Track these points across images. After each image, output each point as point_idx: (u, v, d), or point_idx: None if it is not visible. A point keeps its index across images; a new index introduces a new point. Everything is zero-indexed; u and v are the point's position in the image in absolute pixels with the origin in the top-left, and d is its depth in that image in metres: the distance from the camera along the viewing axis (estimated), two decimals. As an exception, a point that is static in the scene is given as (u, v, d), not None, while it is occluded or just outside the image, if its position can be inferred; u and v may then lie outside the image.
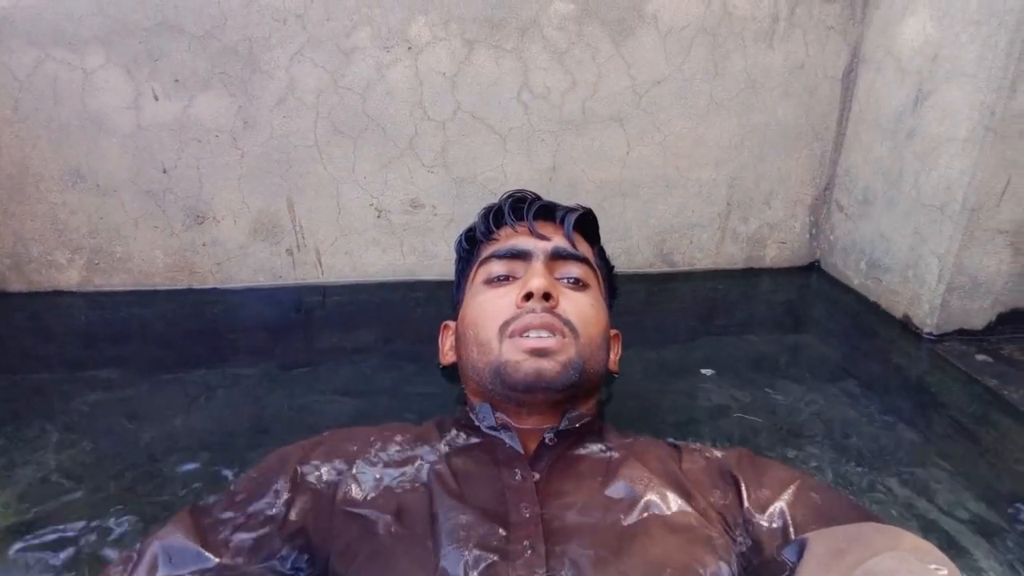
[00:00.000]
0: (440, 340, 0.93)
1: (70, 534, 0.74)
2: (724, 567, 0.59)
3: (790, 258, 1.43)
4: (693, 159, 1.33)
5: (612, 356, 0.89)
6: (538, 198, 0.87)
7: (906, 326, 1.19)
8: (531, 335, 0.72)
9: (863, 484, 0.85)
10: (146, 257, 1.29)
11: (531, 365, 0.71)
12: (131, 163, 1.23)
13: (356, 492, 0.66)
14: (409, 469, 0.68)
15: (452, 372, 0.90)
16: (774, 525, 0.63)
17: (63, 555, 0.71)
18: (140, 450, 0.90)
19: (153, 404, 1.01)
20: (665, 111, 1.29)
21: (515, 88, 1.25)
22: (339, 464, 0.69)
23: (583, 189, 1.32)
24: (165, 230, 1.28)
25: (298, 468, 0.68)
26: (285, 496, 0.65)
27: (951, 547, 0.74)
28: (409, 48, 1.20)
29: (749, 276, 1.42)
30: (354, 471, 0.68)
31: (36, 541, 0.73)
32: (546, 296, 0.73)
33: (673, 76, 1.27)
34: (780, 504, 0.64)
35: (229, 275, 1.32)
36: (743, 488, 0.67)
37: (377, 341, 1.21)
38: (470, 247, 0.90)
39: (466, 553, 0.57)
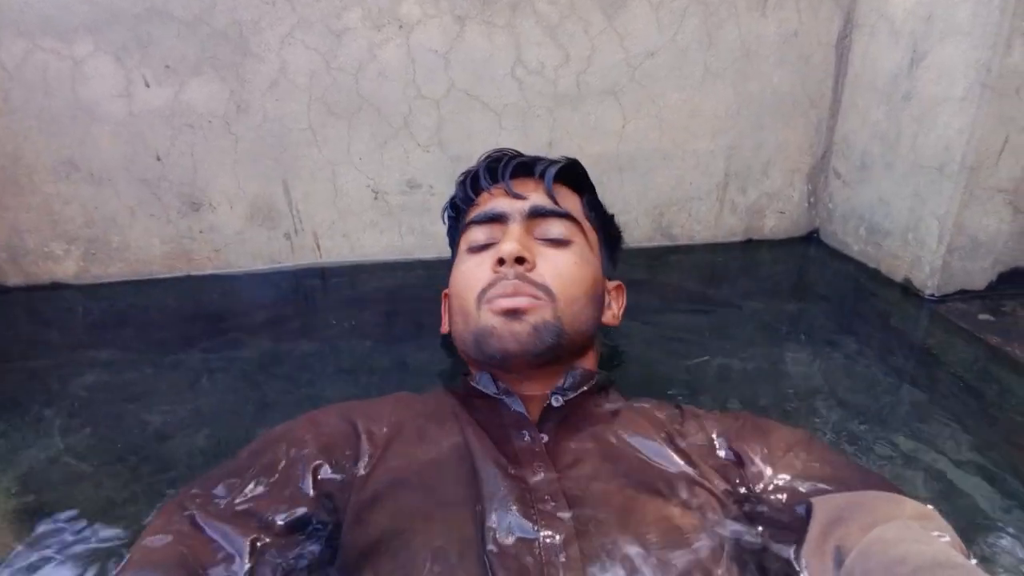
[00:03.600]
0: (442, 309, 0.91)
1: (77, 514, 0.74)
2: (721, 531, 0.59)
3: (789, 228, 1.42)
4: (689, 130, 1.33)
5: (613, 310, 0.86)
6: (516, 155, 0.84)
7: (907, 289, 1.19)
8: (504, 301, 0.71)
9: (869, 440, 0.85)
10: (143, 246, 1.29)
11: (504, 330, 0.70)
12: (124, 151, 1.22)
13: (386, 453, 0.65)
14: (435, 431, 0.68)
15: (452, 349, 0.90)
16: (778, 488, 0.62)
17: (71, 535, 0.71)
18: (144, 431, 0.91)
19: (155, 387, 1.01)
20: (660, 83, 1.29)
21: (508, 64, 1.24)
22: (364, 427, 0.69)
23: (580, 164, 1.31)
24: (161, 218, 1.27)
25: (323, 431, 0.68)
26: (312, 460, 0.64)
27: (956, 494, 0.75)
28: (400, 27, 1.19)
29: (749, 247, 1.42)
30: (381, 434, 0.68)
31: (43, 522, 0.73)
32: (520, 260, 0.72)
33: (667, 47, 1.26)
34: (783, 467, 0.64)
35: (227, 261, 1.32)
36: (746, 451, 0.66)
37: (377, 321, 1.21)
38: (455, 215, 0.88)
39: (504, 512, 0.57)
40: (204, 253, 1.31)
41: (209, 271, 1.32)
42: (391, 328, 1.18)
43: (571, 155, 1.31)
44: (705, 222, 1.40)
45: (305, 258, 1.33)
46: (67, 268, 1.29)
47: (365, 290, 1.31)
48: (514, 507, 0.58)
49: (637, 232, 1.38)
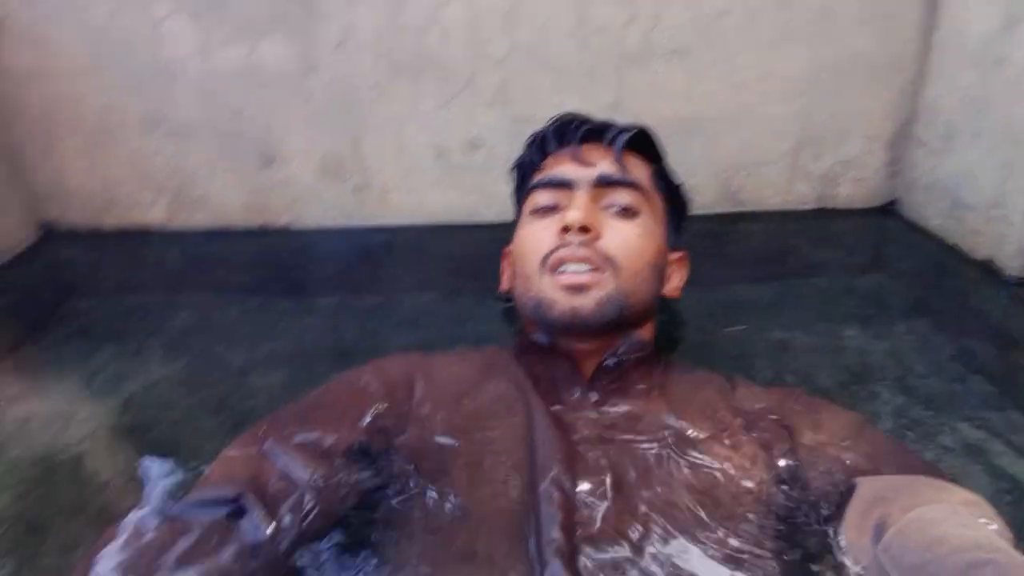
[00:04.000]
0: (502, 266, 0.91)
1: (169, 435, 0.83)
2: (758, 503, 0.60)
3: (865, 197, 1.35)
4: (761, 93, 1.27)
5: (673, 283, 0.85)
6: (587, 120, 0.82)
7: (988, 268, 1.12)
8: (568, 268, 0.71)
9: (931, 427, 0.82)
10: (223, 197, 1.36)
11: (566, 304, 0.70)
12: (203, 107, 1.28)
13: (443, 400, 0.69)
14: (492, 382, 0.71)
15: (509, 309, 0.92)
16: (824, 467, 0.62)
17: (162, 453, 0.76)
18: (229, 367, 0.99)
19: (239, 329, 1.10)
20: (732, 42, 1.24)
21: (573, 22, 1.22)
22: (424, 374, 0.73)
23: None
24: (239, 172, 1.34)
25: (386, 377, 0.72)
26: (373, 401, 0.68)
27: (1021, 492, 0.72)
28: (465, -16, 1.19)
29: (821, 216, 1.36)
30: (440, 380, 0.72)
31: (141, 441, 0.82)
32: (585, 229, 0.71)
33: (739, 6, 1.21)
34: (831, 446, 0.63)
35: (300, 214, 1.38)
36: (796, 426, 0.66)
37: (439, 277, 1.24)
38: (521, 175, 0.88)
39: (550, 463, 0.60)
40: (279, 205, 1.37)
41: (284, 223, 1.38)
42: (453, 284, 1.21)
43: (635, 117, 1.28)
44: (775, 188, 1.35)
45: (372, 213, 1.37)
46: (155, 215, 1.38)
47: (428, 246, 1.35)
48: (559, 459, 0.60)
49: (703, 197, 1.35)
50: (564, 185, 0.77)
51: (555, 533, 0.54)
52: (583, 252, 0.71)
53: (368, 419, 0.66)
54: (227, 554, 0.52)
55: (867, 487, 0.57)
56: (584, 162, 0.78)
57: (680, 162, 1.31)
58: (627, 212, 0.76)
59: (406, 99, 1.28)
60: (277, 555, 0.54)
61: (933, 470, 0.61)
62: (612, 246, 0.73)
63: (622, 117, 1.26)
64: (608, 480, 0.60)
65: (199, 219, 1.38)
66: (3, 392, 0.96)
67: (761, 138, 1.31)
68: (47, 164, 1.33)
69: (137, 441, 0.85)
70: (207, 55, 1.24)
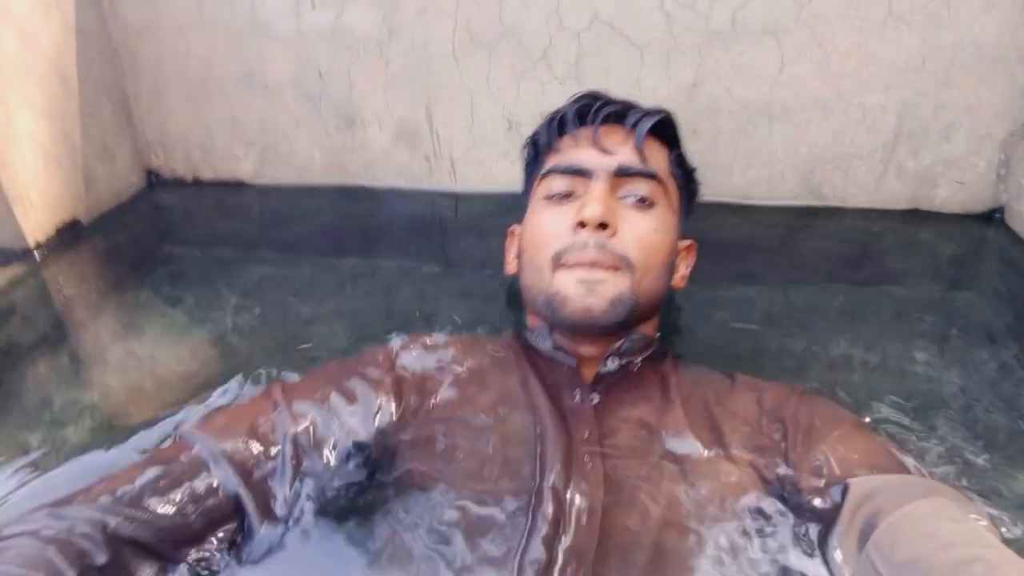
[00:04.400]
0: (506, 246, 0.90)
1: (229, 379, 0.87)
2: (745, 517, 0.60)
3: (966, 201, 1.23)
4: (859, 80, 1.17)
5: (681, 271, 0.83)
6: (610, 101, 0.79)
7: (1094, 297, 1.00)
8: (582, 269, 0.71)
9: (983, 471, 0.75)
10: (306, 155, 1.43)
11: (579, 302, 0.70)
12: (293, 67, 1.34)
13: (451, 394, 0.71)
14: (499, 377, 0.73)
15: (513, 292, 0.93)
16: (817, 469, 0.61)
17: (219, 398, 0.85)
18: (296, 318, 1.08)
19: (310, 285, 1.18)
20: (830, 24, 1.14)
21: (658, -4, 1.16)
22: (432, 363, 0.75)
23: (725, 109, 1.22)
24: (321, 131, 1.39)
25: (395, 362, 0.75)
26: (384, 385, 0.71)
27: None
28: (547, -47, 1.16)
29: (912, 218, 1.25)
30: (447, 375, 0.74)
31: (203, 387, 0.88)
32: (602, 225, 0.70)
33: (844, -17, 1.11)
34: (826, 447, 0.62)
35: (375, 175, 1.43)
36: (790, 429, 0.65)
37: (500, 249, 1.25)
38: (535, 152, 0.86)
39: (552, 462, 0.62)
40: (356, 166, 1.42)
41: (359, 183, 1.44)
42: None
43: (714, 99, 1.22)
44: (863, 184, 1.25)
45: (441, 181, 1.40)
46: (246, 168, 1.47)
47: (492, 218, 1.36)
48: (559, 460, 0.62)
49: (782, 188, 1.28)
50: (582, 173, 0.75)
51: (538, 547, 0.55)
52: (599, 255, 0.70)
53: (374, 414, 0.69)
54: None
55: (859, 486, 0.56)
56: (604, 149, 0.75)
57: (759, 149, 1.26)
58: (644, 203, 0.74)
59: (481, 70, 1.28)
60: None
61: (928, 474, 0.60)
62: (628, 242, 0.71)
63: (700, 99, 1.23)
64: (597, 487, 0.60)
65: (283, 174, 1.46)
66: (105, 327, 1.09)
67: (853, 129, 1.21)
68: (154, 114, 1.44)
69: (200, 388, 0.89)
70: (299, 15, 1.29)
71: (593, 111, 0.78)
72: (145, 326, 1.08)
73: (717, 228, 1.25)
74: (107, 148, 1.37)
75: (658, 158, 0.78)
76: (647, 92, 1.23)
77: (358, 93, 1.34)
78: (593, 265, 0.70)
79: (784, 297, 1.09)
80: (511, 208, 1.37)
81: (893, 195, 1.25)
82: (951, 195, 1.23)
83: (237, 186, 1.48)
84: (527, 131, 1.32)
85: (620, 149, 0.75)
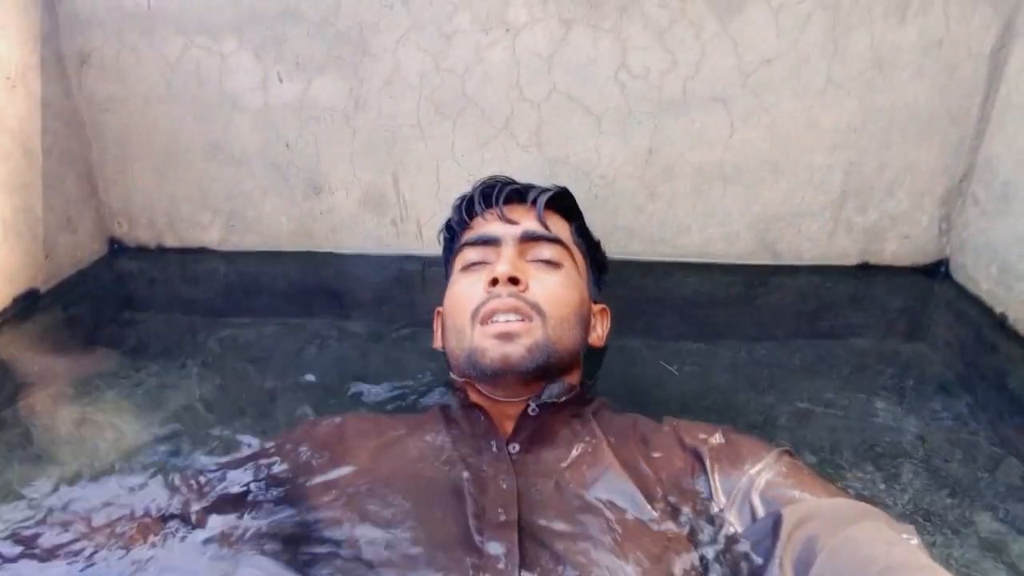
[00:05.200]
0: (434, 325, 0.97)
1: (200, 449, 0.88)
2: (688, 555, 0.61)
3: (913, 254, 1.29)
4: (805, 143, 1.24)
5: (598, 331, 0.90)
6: (511, 182, 0.89)
7: (1033, 344, 1.05)
8: (498, 319, 0.75)
9: (948, 515, 0.78)
10: (272, 221, 1.44)
11: (497, 351, 0.73)
12: (260, 138, 1.36)
13: (374, 474, 0.71)
14: (420, 444, 0.74)
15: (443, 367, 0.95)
16: (746, 500, 0.63)
17: (183, 461, 0.85)
18: (260, 390, 1.05)
19: (273, 351, 1.17)
20: (775, 91, 1.21)
21: (612, 68, 1.22)
22: (352, 443, 0.76)
23: (680, 172, 1.28)
24: (288, 198, 1.41)
25: (321, 441, 0.76)
26: (311, 461, 0.72)
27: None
28: (507, 30, 1.22)
29: (864, 273, 1.31)
30: (366, 447, 0.74)
31: (173, 455, 0.88)
32: (513, 280, 0.76)
33: (785, 54, 1.18)
34: (754, 479, 0.64)
35: (342, 241, 1.44)
36: (715, 465, 0.67)
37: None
38: (451, 236, 0.94)
39: (466, 518, 0.63)
40: (323, 232, 1.44)
41: (326, 248, 1.45)
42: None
43: (670, 163, 1.28)
44: (816, 240, 1.31)
45: (409, 245, 1.42)
46: (212, 235, 1.47)
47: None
48: (471, 515, 0.63)
49: (737, 247, 1.32)
50: (492, 242, 0.83)
51: None
52: (512, 302, 0.75)
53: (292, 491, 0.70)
54: None
55: (792, 514, 0.58)
56: (509, 220, 0.84)
57: (714, 210, 1.31)
58: (551, 264, 0.82)
59: (446, 138, 1.31)
60: None
61: (854, 497, 0.63)
62: (539, 295, 0.77)
63: (656, 163, 1.28)
64: (512, 537, 0.61)
65: (250, 240, 1.46)
66: (62, 394, 1.06)
67: (803, 188, 1.27)
68: (119, 184, 1.44)
69: (166, 455, 0.90)
70: (267, 89, 1.32)
71: (496, 192, 0.87)
72: (100, 394, 1.05)
73: (679, 286, 1.30)
74: (70, 218, 1.37)
75: (560, 227, 0.87)
76: (605, 157, 1.28)
77: (325, 162, 1.37)
78: (509, 311, 0.74)
79: (747, 353, 1.12)
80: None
81: (844, 250, 1.31)
82: (898, 248, 1.29)
83: (202, 252, 1.48)
84: (492, 196, 1.37)
85: (524, 220, 0.85)
